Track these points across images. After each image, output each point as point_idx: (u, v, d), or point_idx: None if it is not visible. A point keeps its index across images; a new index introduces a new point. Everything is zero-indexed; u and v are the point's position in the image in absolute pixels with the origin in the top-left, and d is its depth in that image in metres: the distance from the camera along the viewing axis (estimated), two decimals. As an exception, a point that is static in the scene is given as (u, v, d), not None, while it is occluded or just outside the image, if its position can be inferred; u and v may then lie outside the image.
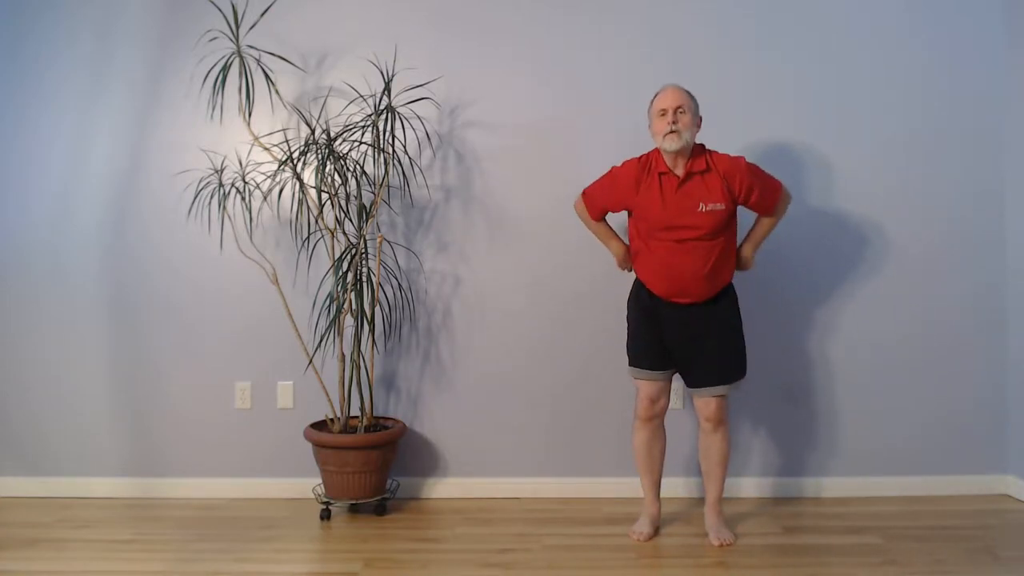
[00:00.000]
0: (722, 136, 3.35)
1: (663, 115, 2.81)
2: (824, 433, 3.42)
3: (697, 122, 2.85)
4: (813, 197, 3.40)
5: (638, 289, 3.00)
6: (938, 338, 3.40)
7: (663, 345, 2.93)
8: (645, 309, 2.96)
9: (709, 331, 2.89)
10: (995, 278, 3.40)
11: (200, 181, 3.32)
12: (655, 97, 2.88)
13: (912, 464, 3.40)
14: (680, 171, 2.83)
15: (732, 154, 2.89)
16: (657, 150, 2.90)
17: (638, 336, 2.98)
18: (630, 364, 3.00)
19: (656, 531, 3.00)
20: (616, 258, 3.11)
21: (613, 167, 2.98)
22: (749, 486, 3.41)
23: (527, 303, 3.44)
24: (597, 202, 3.02)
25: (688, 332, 2.90)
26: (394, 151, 3.27)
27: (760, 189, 2.86)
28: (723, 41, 3.40)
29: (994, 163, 3.40)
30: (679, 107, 2.79)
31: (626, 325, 3.06)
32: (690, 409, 3.31)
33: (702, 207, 2.79)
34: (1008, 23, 3.38)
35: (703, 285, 2.85)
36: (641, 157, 2.92)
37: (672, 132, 2.77)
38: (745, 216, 2.96)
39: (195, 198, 3.33)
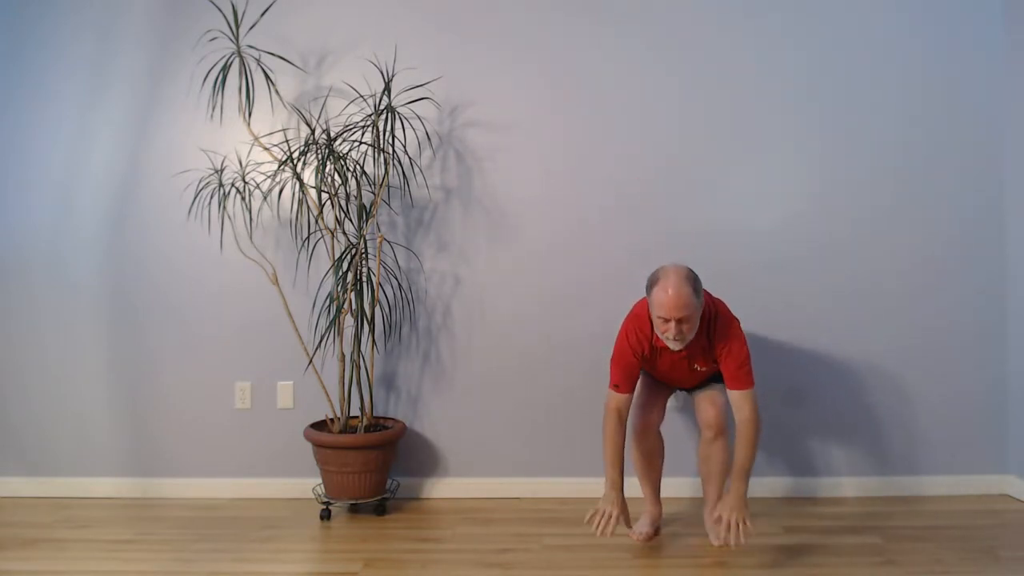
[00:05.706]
0: (721, 137, 3.36)
1: (665, 322, 2.62)
2: (824, 434, 3.42)
3: (700, 314, 2.67)
4: (812, 200, 3.39)
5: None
6: (938, 338, 3.40)
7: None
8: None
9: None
10: (995, 278, 3.39)
11: (200, 181, 3.33)
12: (656, 289, 2.62)
13: (912, 464, 3.40)
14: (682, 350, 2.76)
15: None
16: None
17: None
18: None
19: (656, 531, 2.99)
20: (604, 500, 2.71)
21: (614, 349, 2.81)
22: (750, 486, 3.39)
23: (527, 303, 3.44)
24: (624, 381, 2.79)
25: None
26: (394, 151, 3.27)
27: (737, 364, 2.71)
28: (722, 42, 3.39)
29: (994, 165, 3.39)
30: (681, 319, 2.60)
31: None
32: (690, 409, 3.30)
33: (696, 367, 2.83)
34: (1008, 24, 3.37)
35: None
36: (634, 336, 2.76)
37: (676, 340, 2.65)
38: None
39: (195, 198, 3.33)
